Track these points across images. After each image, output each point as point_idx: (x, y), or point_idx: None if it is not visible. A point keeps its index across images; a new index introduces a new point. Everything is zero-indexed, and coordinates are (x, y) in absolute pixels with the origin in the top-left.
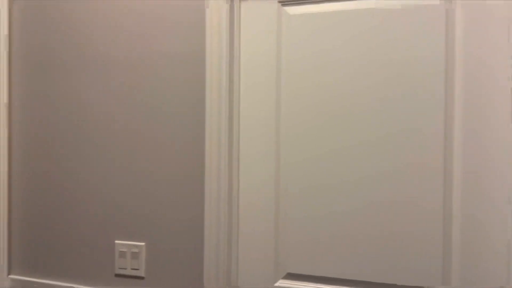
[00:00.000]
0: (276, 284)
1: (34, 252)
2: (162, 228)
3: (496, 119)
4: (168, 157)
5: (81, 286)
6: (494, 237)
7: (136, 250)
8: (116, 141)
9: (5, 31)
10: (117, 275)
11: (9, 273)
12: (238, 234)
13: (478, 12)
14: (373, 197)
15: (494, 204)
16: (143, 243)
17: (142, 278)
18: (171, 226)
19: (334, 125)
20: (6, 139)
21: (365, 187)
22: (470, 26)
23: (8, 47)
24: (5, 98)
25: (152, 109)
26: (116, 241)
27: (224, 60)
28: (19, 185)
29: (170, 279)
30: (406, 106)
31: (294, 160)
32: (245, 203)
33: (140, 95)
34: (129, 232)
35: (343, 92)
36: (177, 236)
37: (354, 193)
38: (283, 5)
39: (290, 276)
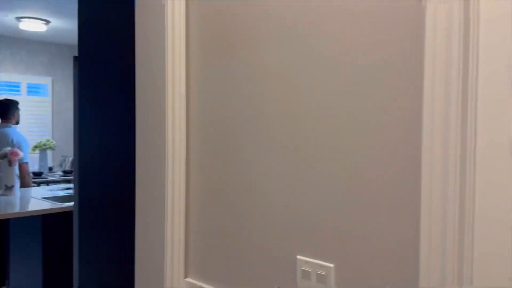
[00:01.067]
0: None
1: (210, 258)
2: (357, 246)
3: None
4: (368, 162)
5: None
6: None
7: (322, 272)
8: (303, 144)
9: (182, 31)
10: None
11: (185, 276)
12: (472, 261)
13: None
14: None
15: None
16: (331, 265)
17: None
18: (371, 245)
19: None
20: (184, 133)
21: None
22: None
23: (185, 41)
24: (182, 89)
25: (349, 110)
26: (298, 257)
27: (454, 72)
28: (196, 186)
29: None
30: None
31: None
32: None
33: (335, 96)
34: (314, 248)
35: None
36: (379, 259)
37: None
38: None
39: None
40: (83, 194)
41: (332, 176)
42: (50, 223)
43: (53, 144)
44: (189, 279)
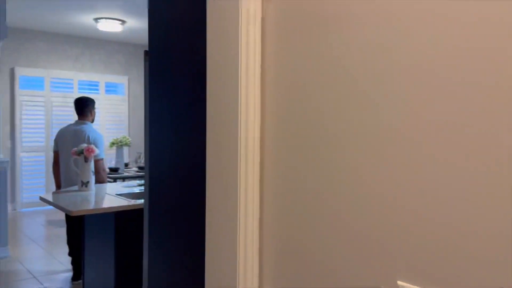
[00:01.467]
0: None
1: (288, 270)
2: (481, 276)
3: None
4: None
5: None
6: None
7: None
8: (413, 146)
9: (257, 27)
10: None
11: (259, 285)
12: None
13: None
14: None
15: None
16: None
17: None
18: (500, 277)
19: None
20: (258, 138)
21: None
22: None
23: (260, 41)
24: (256, 90)
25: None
26: (400, 283)
27: None
28: (272, 190)
29: None
30: None
31: None
32: None
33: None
34: (421, 273)
35: None
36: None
37: None
38: None
39: None
40: (153, 192)
41: (442, 189)
42: (123, 220)
43: (128, 141)
44: None
